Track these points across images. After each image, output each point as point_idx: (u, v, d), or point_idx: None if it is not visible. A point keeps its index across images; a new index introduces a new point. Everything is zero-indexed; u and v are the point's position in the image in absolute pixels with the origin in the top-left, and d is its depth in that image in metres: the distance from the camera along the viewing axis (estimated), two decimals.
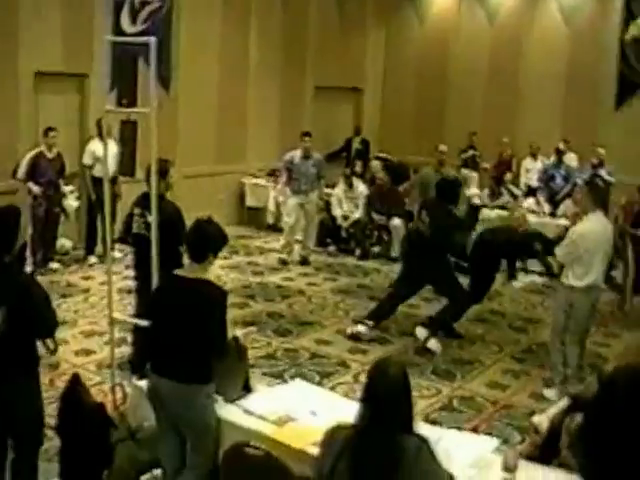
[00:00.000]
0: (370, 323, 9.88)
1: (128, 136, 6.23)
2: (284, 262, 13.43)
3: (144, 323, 5.61)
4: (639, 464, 3.94)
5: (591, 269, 7.98)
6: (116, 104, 6.68)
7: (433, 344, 9.59)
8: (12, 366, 5.09)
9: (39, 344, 5.43)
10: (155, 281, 6.18)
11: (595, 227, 8.06)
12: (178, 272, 5.17)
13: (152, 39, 5.98)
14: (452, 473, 4.15)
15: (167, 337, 5.05)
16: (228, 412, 5.25)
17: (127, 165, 6.40)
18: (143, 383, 5.46)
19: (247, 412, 5.24)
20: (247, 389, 5.51)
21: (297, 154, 13.39)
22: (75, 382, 5.82)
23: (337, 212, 14.70)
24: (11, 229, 5.20)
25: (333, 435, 3.99)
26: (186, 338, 4.96)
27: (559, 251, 8.43)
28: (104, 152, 6.88)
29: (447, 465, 4.16)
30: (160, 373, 5.07)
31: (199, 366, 5.01)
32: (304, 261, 13.53)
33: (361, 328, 9.82)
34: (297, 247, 13.83)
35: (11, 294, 4.97)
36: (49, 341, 5.87)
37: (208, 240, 5.12)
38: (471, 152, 17.09)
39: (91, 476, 5.54)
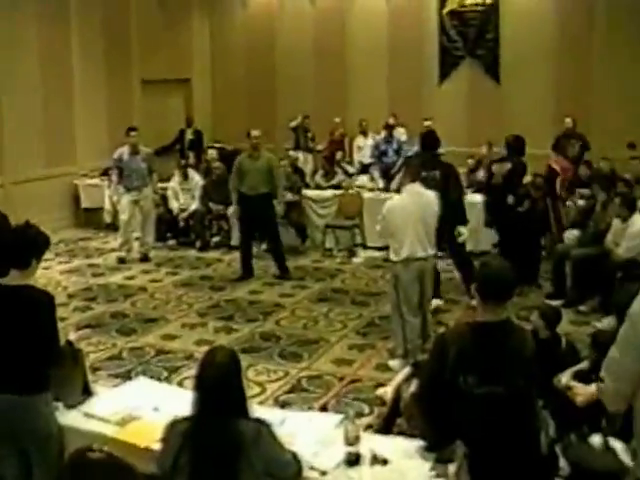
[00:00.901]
0: None
1: None
2: (122, 260, 13.25)
3: None
4: (470, 418, 4.12)
5: (405, 242, 8.21)
6: None
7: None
8: None
9: None
10: None
11: (404, 200, 8.33)
12: (0, 281, 5.00)
13: None
14: (296, 452, 4.19)
15: None
16: (69, 418, 5.13)
17: None
18: None
19: (88, 415, 5.13)
20: (87, 392, 5.40)
21: (125, 151, 13.15)
22: None
23: (174, 205, 14.56)
24: None
25: (172, 429, 4.00)
26: (16, 348, 4.78)
27: (377, 228, 8.70)
28: None
29: (292, 445, 4.23)
30: None
31: (33, 375, 4.84)
32: (144, 258, 13.37)
33: None
34: (136, 244, 13.67)
35: None
36: None
37: (29, 245, 4.93)
38: (300, 118, 17.18)
39: None
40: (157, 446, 4.35)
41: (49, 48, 15.48)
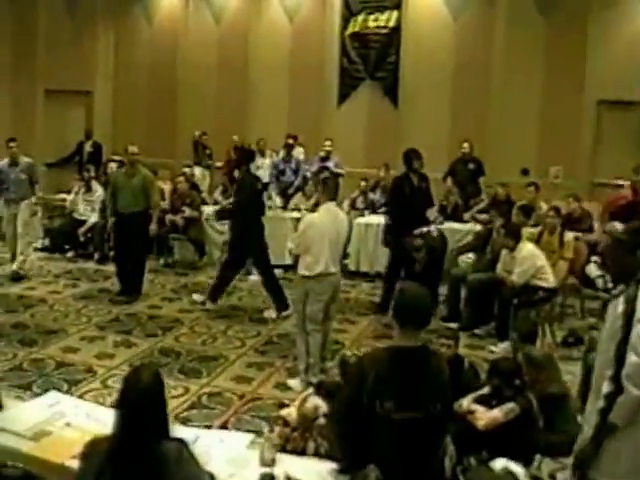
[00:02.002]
0: None
1: None
2: (19, 273, 13.08)
3: None
4: (386, 442, 4.32)
5: (320, 258, 8.39)
6: None
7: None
8: None
9: None
10: None
11: (323, 218, 8.53)
12: None
13: None
14: (212, 472, 4.28)
15: None
16: None
17: None
18: None
19: (1, 430, 5.12)
20: None
21: (5, 162, 12.95)
22: None
23: (75, 216, 14.52)
24: None
25: (93, 447, 3.95)
26: None
27: (292, 243, 8.88)
28: None
29: (207, 465, 4.28)
30: None
31: None
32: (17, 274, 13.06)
33: None
34: (33, 255, 13.52)
35: None
36: None
37: None
38: (198, 132, 17.28)
39: None
40: (71, 463, 4.41)
41: None
